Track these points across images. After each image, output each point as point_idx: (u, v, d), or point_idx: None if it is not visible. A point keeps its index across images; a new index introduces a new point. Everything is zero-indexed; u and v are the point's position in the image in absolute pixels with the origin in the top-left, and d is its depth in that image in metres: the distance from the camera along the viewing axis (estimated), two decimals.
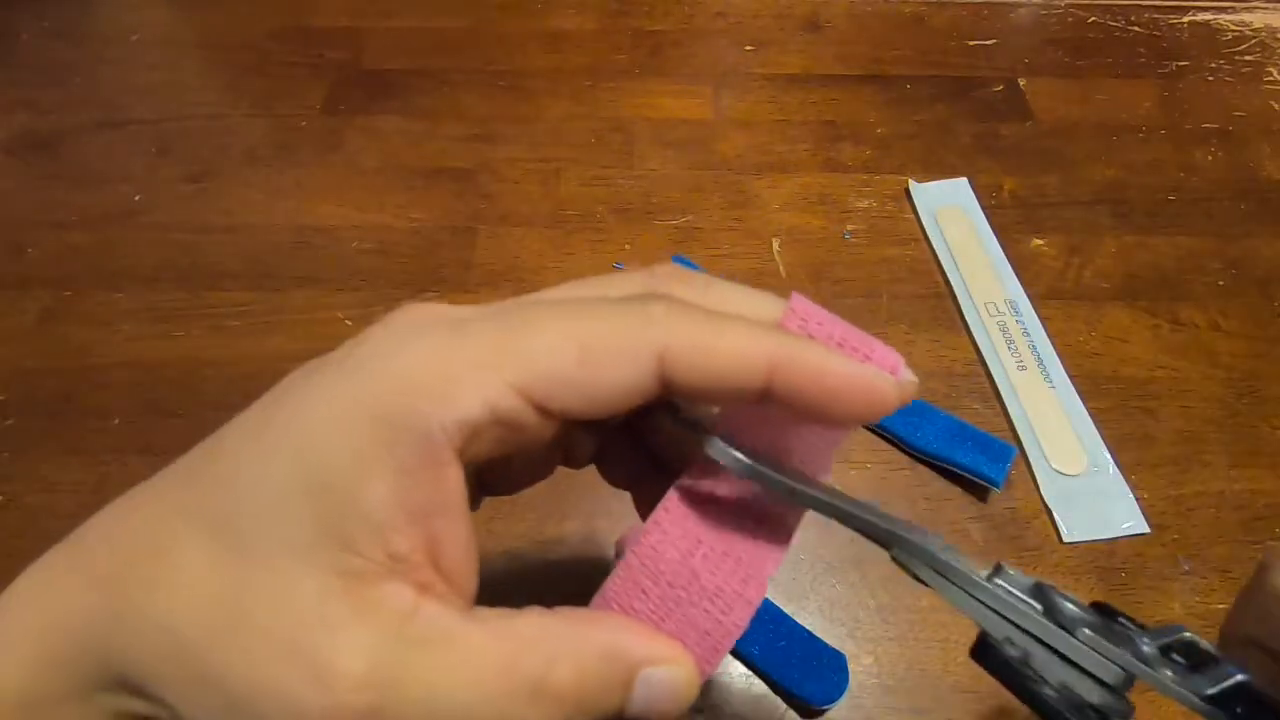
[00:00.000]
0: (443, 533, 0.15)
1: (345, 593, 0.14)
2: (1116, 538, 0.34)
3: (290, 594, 0.14)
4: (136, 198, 0.46)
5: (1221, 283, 0.43)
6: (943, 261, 0.43)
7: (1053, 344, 0.40)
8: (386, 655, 0.14)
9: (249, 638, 0.14)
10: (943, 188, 0.47)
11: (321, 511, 0.14)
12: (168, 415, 0.38)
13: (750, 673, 0.32)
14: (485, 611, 0.15)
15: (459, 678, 0.14)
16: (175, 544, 0.15)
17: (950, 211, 0.45)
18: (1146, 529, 0.34)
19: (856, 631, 0.32)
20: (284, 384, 0.17)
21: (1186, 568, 0.34)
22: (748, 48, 0.55)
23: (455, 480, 0.15)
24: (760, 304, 0.17)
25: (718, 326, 0.15)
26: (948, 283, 0.43)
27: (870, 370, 0.15)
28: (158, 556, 0.15)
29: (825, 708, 0.30)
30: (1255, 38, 0.57)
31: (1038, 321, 0.41)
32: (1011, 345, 0.39)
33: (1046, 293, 0.42)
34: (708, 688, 0.31)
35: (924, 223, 0.45)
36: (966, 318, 0.41)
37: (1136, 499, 0.35)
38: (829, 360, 0.15)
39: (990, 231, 0.44)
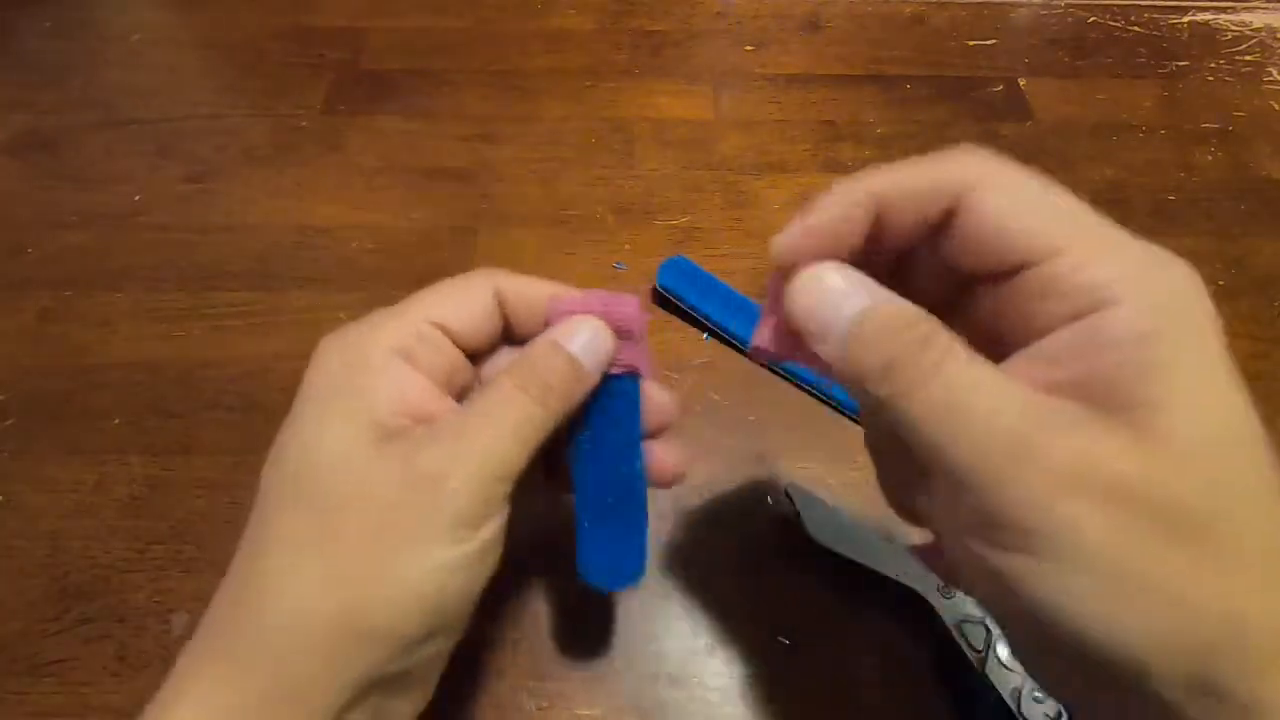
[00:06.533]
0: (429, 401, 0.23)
1: (385, 441, 0.21)
2: None
3: (355, 457, 0.21)
4: (136, 198, 0.46)
5: (1221, 283, 0.43)
6: None
7: None
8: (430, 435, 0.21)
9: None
10: None
11: (354, 417, 0.21)
12: (168, 415, 0.38)
13: None
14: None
15: (473, 416, 0.22)
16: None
17: None
18: None
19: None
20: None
21: None
22: (748, 48, 0.55)
23: (406, 373, 0.22)
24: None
25: (532, 281, 0.25)
26: None
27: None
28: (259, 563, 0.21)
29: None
30: (1255, 38, 0.57)
31: None
32: None
33: None
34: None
35: None
36: None
37: None
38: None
39: None
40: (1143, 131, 0.51)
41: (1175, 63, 0.55)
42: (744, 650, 0.32)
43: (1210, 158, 0.49)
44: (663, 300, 0.41)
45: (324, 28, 0.56)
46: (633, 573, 0.26)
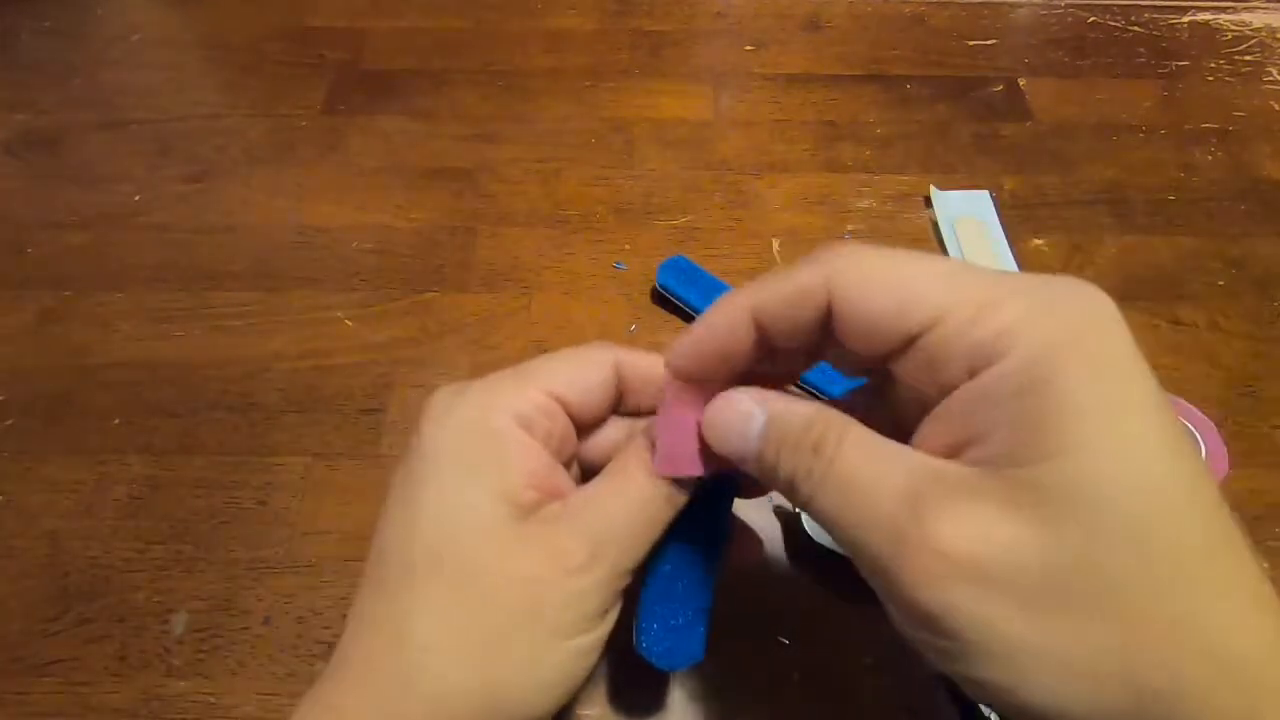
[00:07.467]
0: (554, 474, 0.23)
1: (522, 518, 0.21)
2: None
3: (495, 531, 0.21)
4: (136, 198, 0.46)
5: (1221, 283, 0.43)
6: None
7: None
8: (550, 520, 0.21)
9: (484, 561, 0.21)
10: (965, 198, 0.46)
11: (492, 489, 0.21)
12: (167, 415, 0.38)
13: None
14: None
15: (611, 506, 0.22)
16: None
17: (969, 223, 0.45)
18: None
19: None
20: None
21: None
22: (748, 48, 0.55)
23: (530, 444, 0.22)
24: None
25: (651, 357, 0.25)
26: None
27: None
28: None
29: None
30: (1255, 38, 0.57)
31: None
32: None
33: None
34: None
35: (942, 230, 0.45)
36: None
37: None
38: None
39: (1007, 246, 0.44)
40: (1143, 131, 0.51)
41: (1175, 63, 0.55)
42: (744, 650, 0.32)
43: (1210, 158, 0.49)
44: (662, 300, 0.41)
45: (324, 28, 0.56)
46: (691, 655, 0.26)
